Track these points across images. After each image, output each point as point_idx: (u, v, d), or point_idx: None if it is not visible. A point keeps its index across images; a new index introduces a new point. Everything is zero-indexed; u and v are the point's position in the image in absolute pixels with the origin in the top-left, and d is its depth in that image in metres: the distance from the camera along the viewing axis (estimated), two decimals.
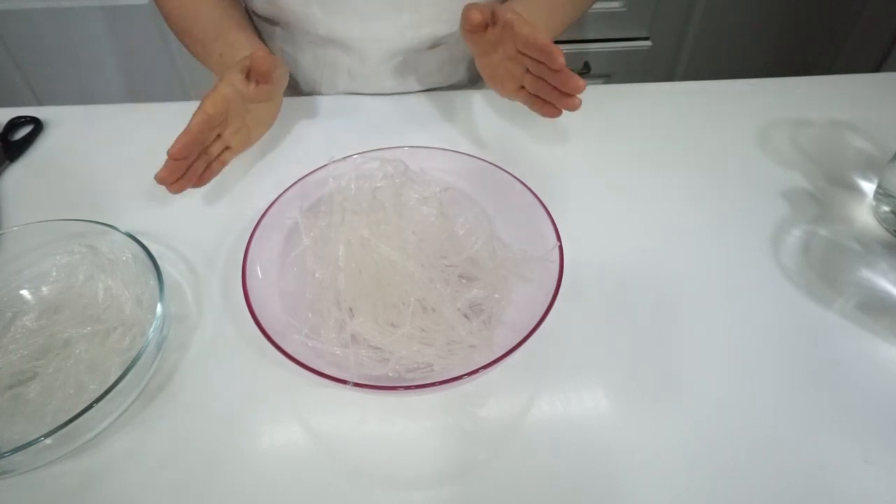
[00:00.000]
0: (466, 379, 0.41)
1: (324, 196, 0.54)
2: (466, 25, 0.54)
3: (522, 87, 0.57)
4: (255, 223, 0.51)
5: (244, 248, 0.49)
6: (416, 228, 0.51)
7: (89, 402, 0.39)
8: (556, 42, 0.60)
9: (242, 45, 0.62)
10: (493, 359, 0.41)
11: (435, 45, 0.71)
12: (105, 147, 0.67)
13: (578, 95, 0.51)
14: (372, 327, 0.45)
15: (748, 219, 0.57)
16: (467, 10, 0.53)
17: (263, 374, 0.47)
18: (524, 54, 0.53)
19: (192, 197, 0.61)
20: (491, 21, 0.54)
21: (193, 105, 0.74)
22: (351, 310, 0.47)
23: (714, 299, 0.51)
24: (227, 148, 0.56)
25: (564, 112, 0.68)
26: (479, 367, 0.41)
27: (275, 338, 0.42)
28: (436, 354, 0.44)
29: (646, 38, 1.38)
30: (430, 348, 0.44)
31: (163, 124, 0.69)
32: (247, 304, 0.44)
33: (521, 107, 0.64)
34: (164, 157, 0.65)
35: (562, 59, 0.49)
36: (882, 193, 0.57)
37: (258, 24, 0.76)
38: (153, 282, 0.47)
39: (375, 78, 0.72)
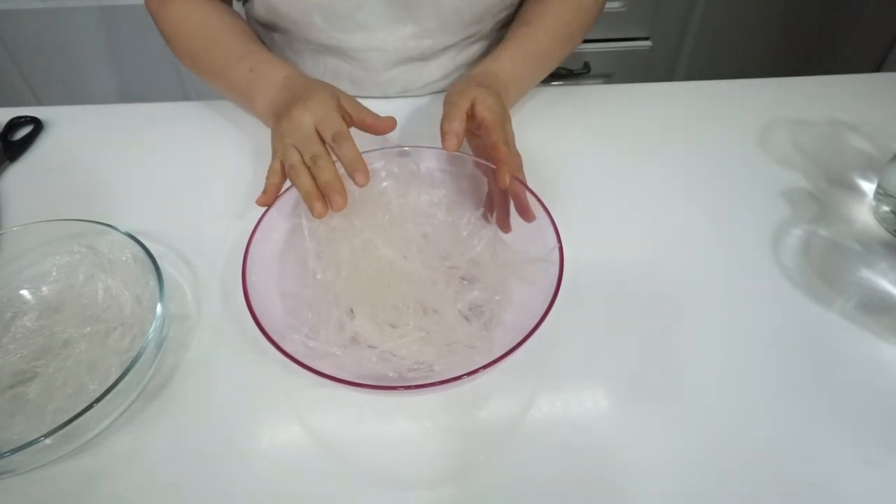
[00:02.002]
0: (466, 379, 0.41)
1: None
2: (442, 142, 0.52)
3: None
4: (256, 223, 0.51)
5: (244, 248, 0.49)
6: (421, 230, 0.51)
7: (89, 402, 0.39)
8: None
9: (272, 61, 0.62)
10: (492, 359, 0.41)
11: (438, 54, 0.70)
12: (105, 147, 0.67)
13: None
14: (372, 328, 0.45)
15: (748, 219, 0.57)
16: (444, 135, 0.52)
17: (263, 375, 0.47)
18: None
19: (193, 197, 0.61)
20: (470, 113, 0.54)
21: (193, 105, 0.74)
22: (351, 310, 0.47)
23: (714, 299, 0.51)
24: None
25: (564, 112, 0.69)
26: (478, 367, 0.41)
27: (275, 338, 0.42)
28: (436, 354, 0.44)
29: (646, 38, 1.38)
30: (430, 348, 0.44)
31: (163, 124, 0.70)
32: (247, 304, 0.44)
33: (521, 109, 0.64)
34: (164, 157, 0.66)
35: (505, 183, 0.49)
36: (882, 193, 0.57)
37: (255, 30, 0.76)
38: (153, 282, 0.47)
39: (377, 86, 0.72)
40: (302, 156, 0.50)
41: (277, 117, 0.55)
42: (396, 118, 0.69)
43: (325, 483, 0.42)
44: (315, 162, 0.49)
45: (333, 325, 0.46)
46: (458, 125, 0.52)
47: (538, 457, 0.42)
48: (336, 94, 0.55)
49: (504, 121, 0.54)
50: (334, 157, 0.50)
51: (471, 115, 0.54)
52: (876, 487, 0.41)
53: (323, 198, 0.48)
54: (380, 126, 0.55)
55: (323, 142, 0.51)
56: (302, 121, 0.52)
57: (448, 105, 0.54)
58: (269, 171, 0.51)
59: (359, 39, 0.67)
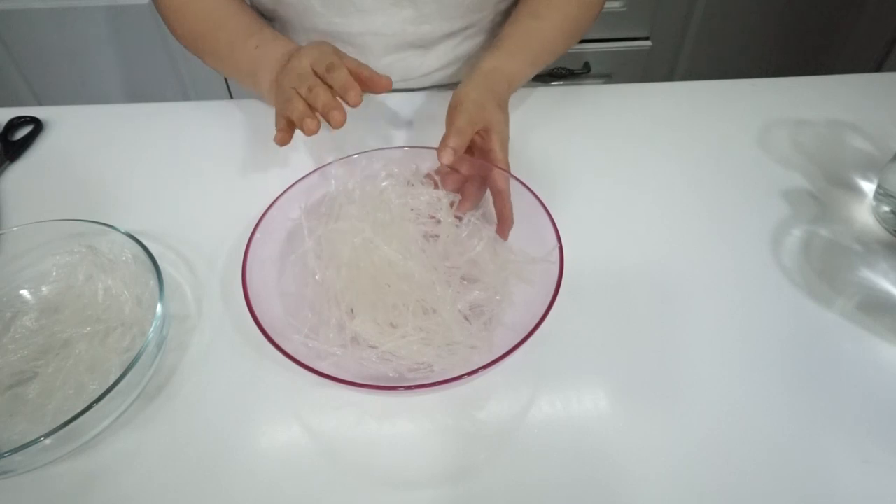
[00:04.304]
0: (466, 379, 0.41)
1: (326, 196, 0.54)
2: (439, 151, 0.51)
3: None
4: (256, 222, 0.51)
5: (244, 248, 0.49)
6: (421, 230, 0.51)
7: (89, 402, 0.39)
8: None
9: (278, 38, 0.62)
10: (492, 359, 0.41)
11: (437, 42, 0.70)
12: (105, 147, 0.67)
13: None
14: (372, 328, 0.45)
15: (748, 219, 0.57)
16: (443, 147, 0.51)
17: (263, 375, 0.47)
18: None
19: (192, 197, 0.61)
20: (481, 134, 0.54)
21: (193, 105, 0.74)
22: (352, 310, 0.47)
23: (714, 299, 0.51)
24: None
25: (564, 112, 0.69)
26: (478, 367, 0.41)
27: (275, 338, 0.42)
28: (435, 355, 0.44)
29: (646, 38, 1.38)
30: (429, 349, 0.45)
31: (163, 124, 0.70)
32: (247, 305, 0.44)
33: (521, 109, 0.64)
34: (164, 157, 0.66)
35: (509, 223, 0.51)
36: (882, 193, 0.57)
37: None
38: (153, 282, 0.47)
39: None
40: (298, 92, 0.52)
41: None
42: (397, 116, 0.69)
43: (324, 483, 0.42)
44: (310, 91, 0.51)
45: (334, 325, 0.46)
46: (461, 143, 0.51)
47: (538, 458, 0.42)
48: (332, 47, 0.56)
49: (507, 147, 0.55)
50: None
51: (478, 133, 0.54)
52: (876, 487, 0.41)
53: (314, 115, 0.50)
54: (376, 81, 0.53)
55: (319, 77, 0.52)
56: (298, 64, 0.54)
57: (460, 114, 0.53)
58: (278, 130, 0.53)
59: (357, 23, 0.67)
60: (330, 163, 0.56)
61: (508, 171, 0.52)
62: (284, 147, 0.65)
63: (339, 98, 0.50)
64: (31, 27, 1.26)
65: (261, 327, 0.43)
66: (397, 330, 0.45)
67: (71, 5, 1.23)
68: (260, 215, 0.51)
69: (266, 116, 0.70)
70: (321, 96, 0.50)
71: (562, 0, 0.66)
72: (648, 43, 1.38)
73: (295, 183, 0.54)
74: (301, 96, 0.51)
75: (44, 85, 1.38)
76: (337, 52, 0.55)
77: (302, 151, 0.65)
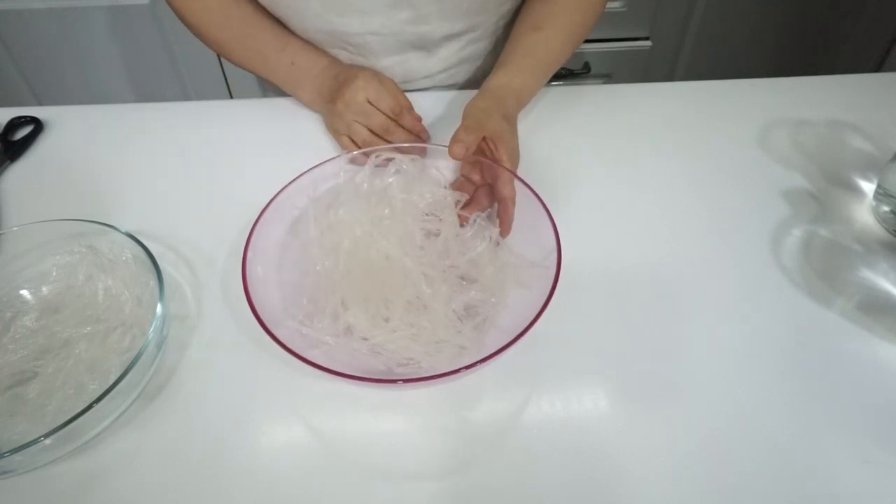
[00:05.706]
0: (461, 374, 0.41)
1: (334, 187, 0.55)
2: (450, 146, 0.52)
3: None
4: (258, 215, 0.51)
5: (245, 243, 0.49)
6: (421, 227, 0.51)
7: (89, 402, 0.39)
8: None
9: (309, 51, 0.67)
10: (479, 358, 0.41)
11: (439, 44, 0.70)
12: (105, 147, 0.67)
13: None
14: (365, 319, 0.46)
15: (748, 219, 0.57)
16: (455, 141, 0.52)
17: (263, 374, 0.47)
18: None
19: (192, 197, 0.61)
20: (490, 145, 0.55)
21: (193, 105, 0.74)
22: (345, 302, 0.47)
23: (714, 299, 0.51)
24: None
25: (564, 112, 0.69)
26: (469, 363, 0.41)
27: (270, 326, 0.42)
28: (423, 352, 0.44)
29: (646, 38, 1.38)
30: (417, 345, 0.45)
31: (163, 124, 0.70)
32: (244, 290, 0.44)
33: (522, 109, 0.64)
34: (164, 157, 0.66)
35: (507, 233, 0.53)
36: (882, 193, 0.57)
37: None
38: (153, 282, 0.47)
39: None
40: (368, 128, 0.60)
41: (330, 100, 0.63)
42: None
43: (325, 482, 0.42)
44: (388, 132, 0.60)
45: (329, 314, 0.46)
46: (472, 139, 0.53)
47: (538, 457, 0.42)
48: (377, 74, 0.62)
49: (516, 159, 0.57)
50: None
51: (487, 143, 0.55)
52: (876, 487, 0.41)
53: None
54: (414, 126, 0.62)
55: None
56: (356, 98, 0.60)
57: (470, 120, 0.55)
58: (345, 146, 0.61)
59: (356, 24, 0.66)
60: (340, 155, 0.56)
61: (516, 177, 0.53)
62: (286, 147, 0.66)
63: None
64: (31, 27, 1.27)
65: (255, 313, 0.43)
66: (390, 324, 0.45)
67: (71, 5, 1.23)
68: (259, 213, 0.51)
69: (266, 116, 0.70)
70: (404, 139, 0.60)
71: (562, 8, 0.65)
72: (648, 43, 1.38)
73: (303, 173, 0.54)
74: (375, 135, 0.60)
75: (44, 85, 1.38)
76: (381, 81, 0.62)
77: (304, 151, 0.65)
